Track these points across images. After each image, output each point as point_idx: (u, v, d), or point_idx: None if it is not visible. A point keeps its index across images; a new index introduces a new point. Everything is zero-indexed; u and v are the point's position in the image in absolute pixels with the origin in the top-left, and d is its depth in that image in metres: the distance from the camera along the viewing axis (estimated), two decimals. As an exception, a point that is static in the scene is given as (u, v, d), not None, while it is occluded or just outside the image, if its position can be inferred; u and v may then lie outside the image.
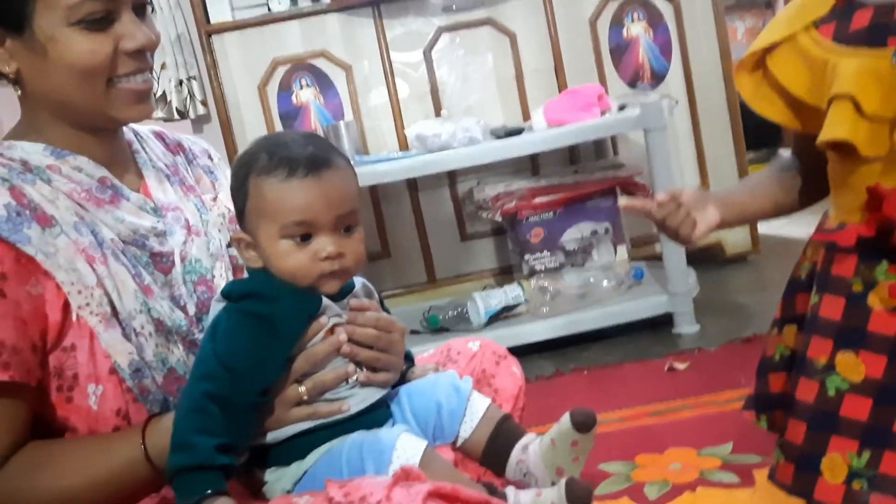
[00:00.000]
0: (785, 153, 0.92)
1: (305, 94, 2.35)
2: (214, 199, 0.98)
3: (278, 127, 2.35)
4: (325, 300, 0.82)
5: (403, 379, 0.90)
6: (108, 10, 0.78)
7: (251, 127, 2.35)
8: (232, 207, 0.93)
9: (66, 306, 0.76)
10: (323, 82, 2.35)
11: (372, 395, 0.83)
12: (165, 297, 0.84)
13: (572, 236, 2.09)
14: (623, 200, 0.89)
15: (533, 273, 2.08)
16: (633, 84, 2.38)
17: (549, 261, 2.09)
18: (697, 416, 1.46)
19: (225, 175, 1.02)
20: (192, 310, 0.86)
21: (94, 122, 0.83)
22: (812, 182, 0.86)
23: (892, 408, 0.69)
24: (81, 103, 0.81)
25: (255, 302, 0.80)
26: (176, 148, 0.99)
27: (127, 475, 0.77)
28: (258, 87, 2.34)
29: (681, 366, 1.70)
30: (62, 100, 0.81)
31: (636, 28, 2.37)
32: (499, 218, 2.10)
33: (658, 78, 2.39)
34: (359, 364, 0.82)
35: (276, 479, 0.81)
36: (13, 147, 0.81)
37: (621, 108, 2.04)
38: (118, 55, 0.79)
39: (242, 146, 2.36)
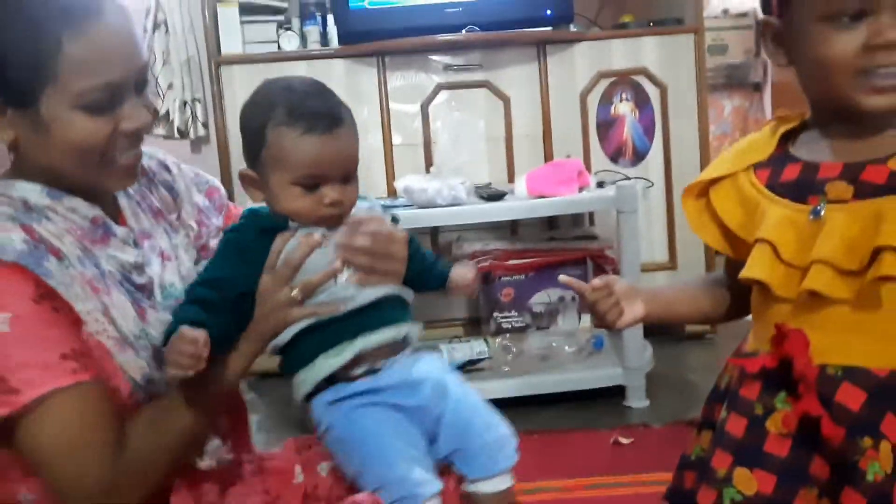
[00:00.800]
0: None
1: (304, 132, 2.45)
2: (178, 217, 1.02)
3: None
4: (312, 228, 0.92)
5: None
6: (113, 95, 0.82)
7: (248, 156, 2.44)
8: (194, 224, 1.04)
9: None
10: (322, 122, 2.45)
11: (373, 293, 0.92)
12: (155, 322, 0.91)
13: (540, 300, 2.20)
14: (563, 277, 0.97)
15: (500, 330, 2.18)
16: (614, 159, 2.51)
17: (517, 321, 2.19)
18: (632, 494, 1.56)
19: (184, 183, 1.06)
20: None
21: (82, 187, 0.89)
22: (737, 301, 0.95)
23: None
24: (74, 175, 0.86)
25: (233, 228, 0.95)
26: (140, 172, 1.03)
27: (210, 406, 0.89)
28: (259, 119, 2.43)
29: (625, 440, 1.81)
30: (55, 168, 0.85)
31: (623, 107, 2.50)
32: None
33: (639, 156, 2.51)
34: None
35: (300, 381, 0.94)
36: (13, 187, 0.85)
37: (600, 184, 2.16)
38: (116, 134, 0.84)
39: (237, 170, 2.45)
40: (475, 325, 2.45)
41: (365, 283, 0.92)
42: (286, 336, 0.92)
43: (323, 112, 0.89)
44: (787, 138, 0.86)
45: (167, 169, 1.04)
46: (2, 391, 0.76)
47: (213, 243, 1.04)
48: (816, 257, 0.75)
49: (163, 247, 0.96)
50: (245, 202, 1.02)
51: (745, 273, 0.79)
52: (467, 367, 2.09)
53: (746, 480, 0.79)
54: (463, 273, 1.01)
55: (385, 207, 1.10)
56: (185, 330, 0.80)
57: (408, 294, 0.97)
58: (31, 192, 0.85)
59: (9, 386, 0.76)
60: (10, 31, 0.79)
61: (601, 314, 0.93)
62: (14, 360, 0.77)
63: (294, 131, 0.88)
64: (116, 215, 0.93)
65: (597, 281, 0.93)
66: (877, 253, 0.73)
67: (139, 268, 0.92)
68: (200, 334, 0.80)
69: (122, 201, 0.95)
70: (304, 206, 0.90)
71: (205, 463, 0.91)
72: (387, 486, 0.88)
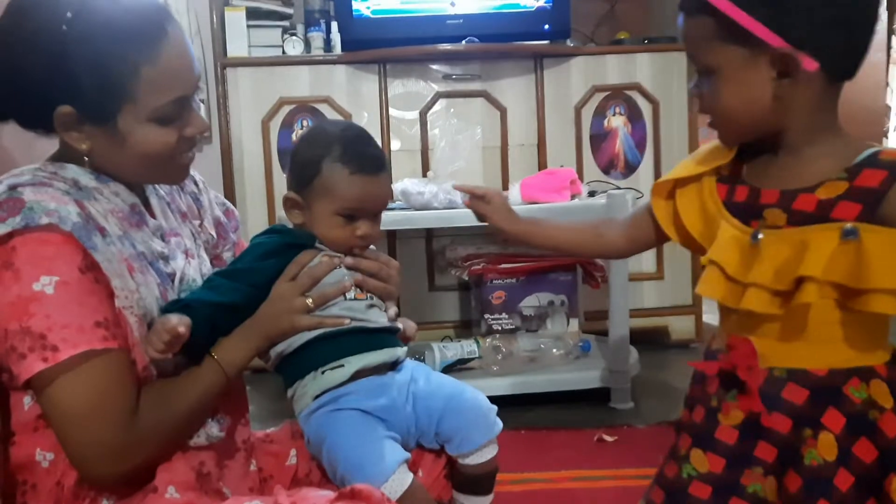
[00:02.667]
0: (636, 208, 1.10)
1: (305, 135, 2.51)
2: (200, 225, 1.11)
3: (275, 160, 2.50)
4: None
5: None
6: (181, 106, 0.92)
7: (249, 156, 2.50)
8: (214, 234, 1.14)
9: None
10: (323, 126, 2.52)
11: (380, 319, 1.04)
12: None
13: (530, 303, 2.26)
14: (457, 185, 1.12)
15: (490, 332, 2.24)
16: (606, 171, 2.58)
17: (507, 323, 2.25)
18: (616, 486, 1.61)
19: (208, 198, 1.16)
20: None
21: (126, 178, 0.97)
22: (630, 247, 1.08)
23: (727, 495, 0.88)
24: (140, 177, 0.97)
25: (264, 235, 1.06)
26: None
27: (212, 390, 0.95)
28: (262, 120, 2.49)
29: (609, 438, 1.86)
30: (124, 171, 0.95)
31: (617, 120, 2.58)
32: (466, 277, 2.26)
33: (630, 168, 2.59)
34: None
35: (300, 394, 1.01)
36: (66, 168, 0.93)
37: (591, 194, 2.23)
38: (180, 139, 0.93)
39: (239, 172, 2.53)
40: (466, 328, 2.51)
41: (372, 290, 1.05)
42: (293, 345, 1.00)
43: (372, 157, 1.03)
44: (745, 152, 0.94)
45: (195, 183, 1.14)
46: (42, 346, 0.82)
47: (227, 256, 1.14)
48: (751, 281, 0.84)
49: (187, 245, 1.03)
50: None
51: (699, 290, 0.90)
52: (458, 366, 2.14)
53: (700, 460, 0.91)
54: (410, 325, 1.14)
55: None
56: (171, 318, 0.87)
57: (399, 326, 1.09)
58: (81, 174, 0.92)
59: (49, 342, 0.82)
60: (91, 59, 0.87)
61: (490, 218, 1.08)
62: (55, 319, 0.82)
63: (347, 169, 1.01)
64: (146, 209, 1.00)
65: (479, 190, 1.09)
66: (801, 279, 0.82)
67: (165, 258, 0.98)
68: (181, 326, 0.86)
69: (153, 199, 1.02)
70: (340, 235, 1.03)
71: (200, 440, 0.96)
72: (356, 468, 0.93)
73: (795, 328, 0.86)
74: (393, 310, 1.08)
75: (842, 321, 0.85)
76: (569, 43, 2.62)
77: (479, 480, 1.04)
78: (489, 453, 1.02)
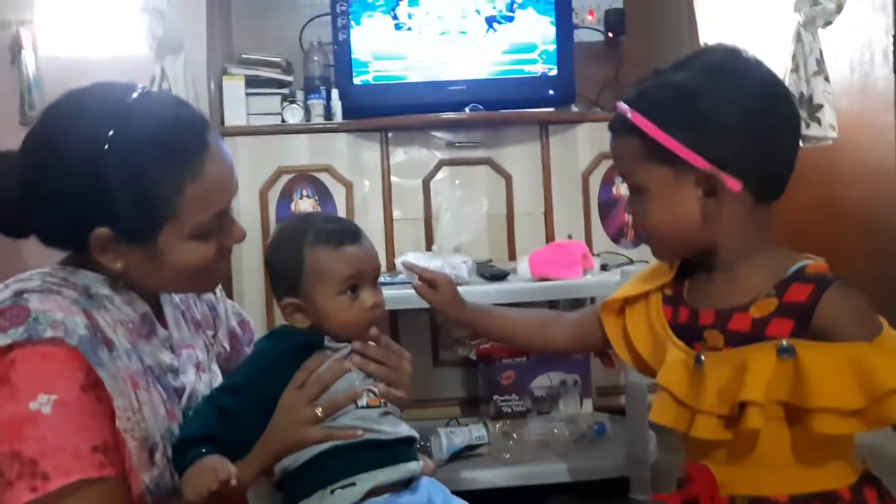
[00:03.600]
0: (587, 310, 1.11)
1: (305, 204, 2.43)
2: (214, 336, 1.06)
3: (271, 229, 2.41)
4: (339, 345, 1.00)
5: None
6: (222, 219, 0.89)
7: (247, 227, 2.37)
8: (227, 346, 1.09)
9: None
10: (323, 195, 2.43)
11: (395, 430, 0.97)
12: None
13: (542, 383, 2.15)
14: (405, 261, 1.10)
15: (500, 414, 2.12)
16: (616, 239, 2.50)
17: (517, 404, 2.14)
18: None
19: (225, 307, 1.11)
20: None
21: (144, 287, 0.92)
22: (575, 345, 1.11)
23: None
24: (170, 289, 0.94)
25: (266, 341, 1.02)
26: None
27: None
28: (260, 190, 2.41)
29: (631, 537, 1.74)
30: (153, 285, 0.90)
31: (626, 188, 2.50)
32: (473, 356, 2.15)
33: (641, 238, 2.50)
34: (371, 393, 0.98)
35: None
36: (77, 274, 0.87)
37: (603, 267, 2.14)
38: (218, 250, 0.90)
39: (236, 245, 2.42)
40: (472, 406, 2.39)
41: (386, 397, 0.98)
42: (300, 459, 0.92)
43: (344, 229, 1.02)
44: (686, 270, 0.94)
45: (213, 291, 1.10)
46: (32, 474, 0.76)
47: None
48: (698, 408, 0.83)
49: (200, 358, 0.98)
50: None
51: (652, 416, 0.89)
52: (466, 453, 2.02)
53: None
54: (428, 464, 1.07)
55: (384, 284, 1.21)
56: (216, 463, 0.83)
57: (416, 434, 1.02)
58: (95, 281, 0.88)
59: (40, 469, 0.76)
60: (134, 180, 0.82)
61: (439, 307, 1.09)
62: (49, 443, 0.77)
63: (328, 247, 0.99)
64: (159, 318, 0.95)
65: (427, 274, 1.10)
66: (745, 403, 0.81)
67: (174, 371, 0.93)
68: (225, 471, 0.83)
69: (167, 308, 0.98)
70: (352, 315, 0.99)
71: None
72: None
73: (749, 453, 0.84)
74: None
75: (795, 442, 0.83)
76: (573, 108, 2.56)
77: None
78: None
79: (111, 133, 0.82)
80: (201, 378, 0.97)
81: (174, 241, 0.86)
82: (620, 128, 0.89)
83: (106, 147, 0.81)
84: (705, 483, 0.86)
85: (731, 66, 0.87)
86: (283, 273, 1.01)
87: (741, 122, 0.84)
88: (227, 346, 1.10)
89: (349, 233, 1.01)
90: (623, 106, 0.89)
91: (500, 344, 2.14)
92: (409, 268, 1.07)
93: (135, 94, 0.86)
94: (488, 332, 1.14)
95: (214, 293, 1.11)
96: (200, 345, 1.01)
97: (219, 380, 1.02)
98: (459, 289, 1.99)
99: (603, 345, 1.05)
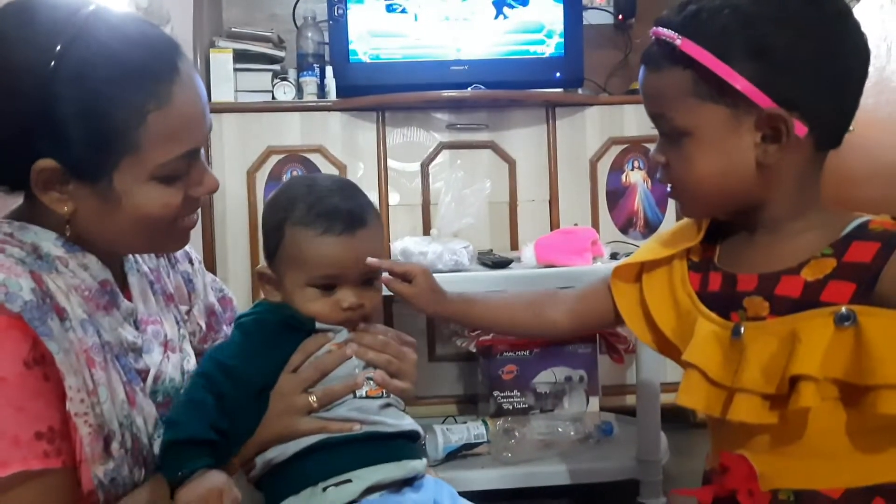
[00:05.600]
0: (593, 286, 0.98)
1: (294, 187, 2.29)
2: (188, 312, 0.94)
3: (261, 214, 2.27)
4: (337, 326, 0.88)
5: None
6: (189, 162, 0.76)
7: (233, 210, 2.28)
8: (203, 325, 0.96)
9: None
10: (314, 178, 2.30)
11: (397, 422, 0.84)
12: (144, 409, 0.80)
13: (545, 379, 2.01)
14: (371, 260, 0.90)
15: (500, 412, 1.98)
16: (625, 230, 2.37)
17: (518, 401, 2.00)
18: None
19: (203, 281, 0.99)
20: (150, 427, 0.81)
21: (104, 248, 0.79)
22: (578, 323, 0.97)
23: None
24: (129, 246, 0.80)
25: (256, 316, 0.88)
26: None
27: None
28: (247, 171, 2.27)
29: (644, 545, 1.60)
30: (113, 239, 0.77)
31: (636, 175, 2.37)
32: (473, 348, 2.02)
33: (651, 228, 2.37)
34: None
35: None
36: (26, 230, 0.75)
37: (613, 256, 2.00)
38: (185, 199, 0.78)
39: (220, 227, 2.29)
40: (471, 403, 2.25)
41: (383, 386, 0.86)
42: (287, 452, 0.81)
43: (343, 211, 0.85)
44: (715, 233, 0.84)
45: (190, 261, 0.98)
46: None
47: None
48: (738, 386, 0.74)
49: (169, 335, 0.86)
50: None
51: (679, 400, 0.79)
52: (464, 452, 1.88)
53: None
54: None
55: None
56: (221, 484, 0.73)
57: (420, 429, 0.90)
58: (45, 238, 0.75)
59: None
60: (84, 102, 0.70)
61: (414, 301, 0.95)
62: None
63: (311, 231, 0.84)
64: (122, 288, 0.83)
65: (399, 268, 0.94)
66: (796, 379, 0.71)
67: (136, 351, 0.81)
68: (232, 497, 0.72)
69: (132, 276, 0.86)
70: (320, 308, 0.86)
71: None
72: None
73: (797, 440, 0.74)
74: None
75: (851, 428, 0.73)
76: (581, 92, 2.44)
77: None
78: None
79: (59, 48, 0.70)
80: (169, 358, 0.85)
81: (133, 182, 0.73)
82: (662, 59, 0.77)
83: (53, 63, 0.69)
84: (743, 475, 0.76)
85: None
86: (265, 238, 0.91)
87: (816, 55, 0.72)
88: (202, 323, 0.98)
89: (345, 217, 0.85)
90: (667, 32, 0.76)
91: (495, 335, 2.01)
92: (377, 266, 0.90)
93: (91, 7, 0.74)
94: (475, 322, 1.03)
95: (192, 263, 0.99)
96: (171, 321, 0.89)
97: (191, 361, 0.89)
98: (459, 275, 1.89)
99: (611, 322, 0.93)
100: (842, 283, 0.72)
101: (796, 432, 0.74)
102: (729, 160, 0.75)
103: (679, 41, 0.74)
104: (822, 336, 0.71)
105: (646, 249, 0.88)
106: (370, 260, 0.88)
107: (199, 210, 0.85)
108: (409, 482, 0.84)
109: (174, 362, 0.85)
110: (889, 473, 0.73)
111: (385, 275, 0.92)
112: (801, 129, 0.73)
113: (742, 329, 0.75)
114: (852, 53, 0.76)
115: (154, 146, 0.73)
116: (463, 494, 0.93)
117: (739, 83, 0.72)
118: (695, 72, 0.74)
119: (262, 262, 0.93)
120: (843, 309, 0.71)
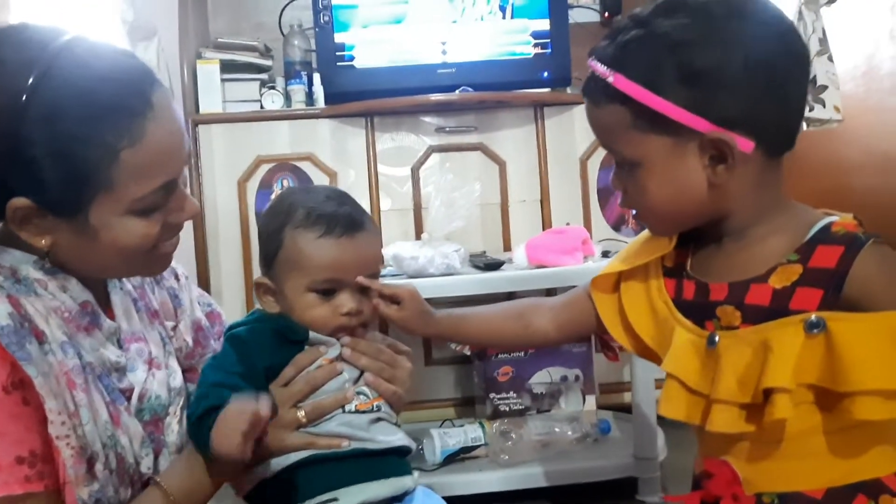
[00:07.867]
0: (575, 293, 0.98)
1: (285, 195, 2.29)
2: (174, 328, 0.93)
3: (252, 224, 2.27)
4: (330, 339, 0.88)
5: None
6: (167, 192, 0.76)
7: (224, 220, 2.28)
8: (190, 341, 0.94)
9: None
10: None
11: (387, 438, 0.84)
12: (129, 428, 0.80)
13: (541, 379, 2.01)
14: (361, 278, 0.90)
15: (497, 414, 1.98)
16: (616, 227, 2.36)
17: (515, 402, 2.00)
18: None
19: (190, 296, 0.98)
20: (136, 447, 0.80)
21: (84, 272, 0.79)
22: (562, 332, 0.97)
23: None
24: (110, 272, 0.80)
25: (250, 325, 0.88)
26: None
27: None
28: (238, 181, 2.27)
29: (642, 543, 1.60)
30: (93, 268, 0.77)
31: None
32: (468, 352, 2.01)
33: (642, 225, 2.36)
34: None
35: None
36: (5, 253, 0.75)
37: (605, 254, 2.00)
38: (164, 227, 0.77)
39: (213, 238, 2.29)
40: (468, 406, 2.25)
41: (375, 388, 0.87)
42: (274, 467, 0.80)
43: (342, 215, 0.86)
44: (687, 240, 0.83)
45: (176, 277, 0.98)
46: None
47: None
48: (714, 397, 0.74)
49: (153, 353, 0.85)
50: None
51: (661, 410, 0.80)
52: (461, 455, 1.87)
53: None
54: None
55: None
56: (245, 402, 0.72)
57: (411, 444, 0.89)
58: (24, 262, 0.75)
59: None
60: (56, 141, 0.69)
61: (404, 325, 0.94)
62: None
63: (311, 233, 0.85)
64: (105, 308, 0.82)
65: (388, 290, 0.93)
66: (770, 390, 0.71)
67: (120, 370, 0.80)
68: (263, 408, 0.72)
69: (115, 296, 0.85)
70: (320, 314, 0.86)
71: None
72: None
73: (776, 444, 0.75)
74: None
75: (828, 428, 0.74)
76: (569, 91, 2.43)
77: None
78: None
79: (30, 82, 0.69)
80: (154, 376, 0.84)
81: (109, 217, 0.73)
82: (599, 95, 0.76)
83: (24, 98, 0.68)
84: (726, 481, 0.77)
85: (722, 5, 0.74)
86: (263, 247, 0.90)
87: (747, 71, 0.71)
88: (189, 339, 0.97)
89: (344, 221, 0.86)
90: (600, 68, 0.75)
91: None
92: (366, 285, 0.89)
93: (64, 38, 0.73)
94: (465, 339, 1.04)
95: (178, 279, 0.98)
96: (155, 338, 0.88)
97: (178, 377, 0.88)
98: (450, 279, 1.89)
99: (595, 329, 0.93)
100: (809, 290, 0.72)
101: (775, 437, 0.75)
102: (680, 185, 0.75)
103: (611, 77, 0.74)
104: (793, 345, 0.71)
105: (620, 259, 0.88)
106: (360, 279, 0.88)
107: (182, 231, 0.84)
108: (398, 498, 0.84)
109: (160, 379, 0.85)
110: (869, 470, 0.74)
111: (374, 299, 0.92)
112: (745, 144, 0.73)
113: (717, 338, 0.76)
114: (785, 56, 0.75)
115: (128, 182, 0.72)
116: (462, 498, 0.93)
117: (674, 113, 0.72)
118: (631, 106, 0.74)
119: (257, 274, 0.93)
120: (813, 316, 0.71)
